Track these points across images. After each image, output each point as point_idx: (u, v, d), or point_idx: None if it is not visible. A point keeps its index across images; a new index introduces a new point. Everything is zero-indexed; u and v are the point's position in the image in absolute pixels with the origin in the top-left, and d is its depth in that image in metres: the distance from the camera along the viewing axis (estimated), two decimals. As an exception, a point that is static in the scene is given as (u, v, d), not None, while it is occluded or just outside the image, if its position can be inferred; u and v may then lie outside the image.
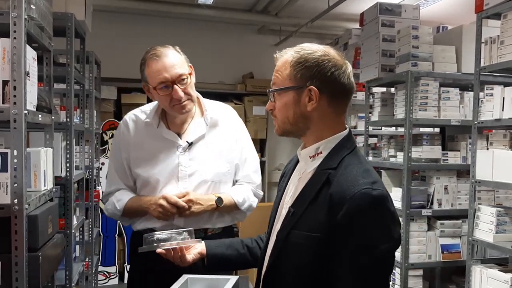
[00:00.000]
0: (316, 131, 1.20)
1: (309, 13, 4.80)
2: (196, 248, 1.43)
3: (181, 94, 1.73)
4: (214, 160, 1.83)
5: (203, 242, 1.46)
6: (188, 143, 1.81)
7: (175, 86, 1.72)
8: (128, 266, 3.40)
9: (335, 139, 1.20)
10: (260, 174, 1.99)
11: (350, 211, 1.06)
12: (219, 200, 1.79)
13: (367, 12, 3.84)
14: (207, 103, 1.91)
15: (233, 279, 1.39)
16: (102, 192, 2.89)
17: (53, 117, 2.01)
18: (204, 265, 1.45)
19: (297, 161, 1.31)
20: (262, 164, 5.56)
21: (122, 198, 1.83)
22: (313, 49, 1.19)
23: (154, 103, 1.88)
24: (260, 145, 5.56)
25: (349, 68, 1.20)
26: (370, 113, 3.83)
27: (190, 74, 1.77)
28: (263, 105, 5.40)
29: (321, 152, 1.20)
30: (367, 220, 1.07)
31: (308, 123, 1.19)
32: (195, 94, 1.82)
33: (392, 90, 3.69)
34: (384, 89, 4.03)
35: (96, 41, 3.93)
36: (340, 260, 1.09)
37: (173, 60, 1.73)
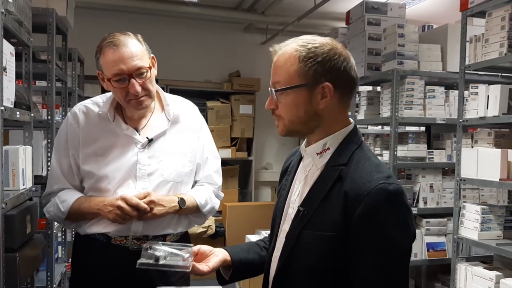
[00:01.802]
0: (326, 128, 1.15)
1: (296, 12, 4.80)
2: (216, 255, 1.31)
3: (138, 88, 1.56)
4: (176, 158, 1.68)
5: (222, 249, 1.34)
6: (148, 139, 1.64)
7: (132, 80, 1.55)
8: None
9: (341, 134, 1.15)
10: (221, 174, 1.86)
11: (368, 208, 1.03)
12: (182, 201, 1.63)
13: (353, 11, 3.84)
14: (168, 97, 1.75)
15: None
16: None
17: (32, 115, 1.96)
18: (219, 274, 1.34)
19: (300, 159, 1.26)
20: (249, 163, 5.56)
21: (67, 199, 1.62)
22: (320, 42, 1.12)
23: (108, 94, 1.71)
24: (247, 144, 5.54)
25: (353, 60, 1.16)
26: (356, 111, 3.83)
27: (150, 68, 1.60)
28: (250, 104, 5.38)
29: (328, 148, 1.15)
30: (386, 216, 1.04)
31: (320, 121, 1.14)
32: (154, 89, 1.66)
33: (378, 88, 3.70)
34: (370, 88, 4.04)
35: (80, 38, 3.86)
36: (360, 258, 1.05)
37: (132, 51, 1.55)
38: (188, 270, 1.25)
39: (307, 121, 1.14)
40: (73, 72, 3.58)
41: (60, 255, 3.12)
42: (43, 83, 2.83)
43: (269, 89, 1.16)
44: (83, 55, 4.00)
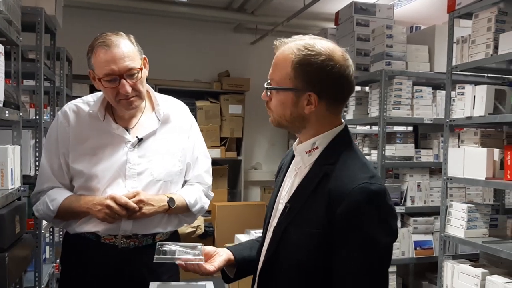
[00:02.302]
0: (313, 130, 1.18)
1: (285, 12, 4.82)
2: (221, 255, 1.34)
3: (129, 89, 1.57)
4: (166, 158, 1.69)
5: (225, 248, 1.37)
6: (138, 138, 1.65)
7: (123, 81, 1.56)
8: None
9: (331, 134, 1.18)
10: (211, 174, 1.87)
11: (350, 207, 1.06)
12: (171, 201, 1.64)
13: (342, 12, 3.88)
14: (159, 97, 1.76)
15: (209, 284, 1.36)
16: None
17: (21, 114, 1.95)
18: (224, 273, 1.37)
19: (293, 156, 1.29)
20: (239, 163, 5.57)
21: (56, 198, 1.63)
22: (317, 49, 1.12)
23: (98, 94, 1.72)
24: (236, 144, 5.55)
25: (352, 69, 1.16)
26: (345, 111, 3.86)
27: (141, 69, 1.61)
28: (239, 103, 5.39)
29: (317, 147, 1.18)
30: (367, 215, 1.06)
31: (305, 123, 1.17)
32: (145, 90, 1.66)
33: (367, 89, 3.73)
34: (359, 88, 4.08)
35: (68, 37, 3.84)
36: (340, 255, 1.08)
37: (124, 51, 1.56)
38: (202, 262, 1.30)
39: (292, 121, 1.17)
40: (61, 72, 3.55)
41: (47, 256, 3.10)
42: (31, 82, 2.81)
43: (265, 85, 1.20)
44: (71, 54, 3.97)
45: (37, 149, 2.54)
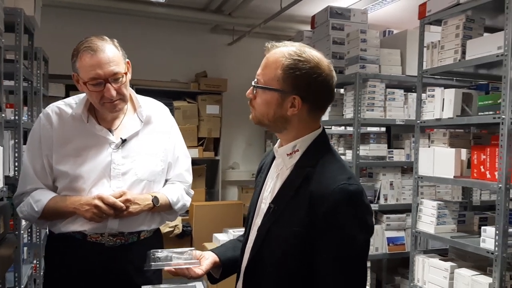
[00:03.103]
0: (293, 132, 1.24)
1: (263, 14, 4.89)
2: (207, 259, 1.39)
3: (113, 93, 1.61)
4: (149, 158, 1.74)
5: (210, 252, 1.43)
6: (122, 140, 1.70)
7: (108, 85, 1.60)
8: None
9: (310, 137, 1.25)
10: (191, 173, 1.93)
11: (330, 207, 1.12)
12: (156, 199, 1.69)
13: (318, 15, 3.97)
14: (140, 99, 1.81)
15: (198, 285, 1.42)
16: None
17: (3, 115, 1.95)
18: (209, 275, 1.42)
19: (273, 157, 1.35)
20: (216, 163, 5.60)
21: (41, 199, 1.65)
22: (307, 57, 1.19)
23: (80, 96, 1.75)
24: (214, 144, 5.59)
25: (335, 80, 1.23)
26: (321, 112, 3.95)
27: (126, 73, 1.66)
28: (217, 104, 5.43)
29: (297, 150, 1.24)
30: (346, 214, 1.13)
31: (286, 125, 1.23)
32: (128, 93, 1.71)
33: (342, 91, 3.83)
34: (334, 90, 4.16)
35: (44, 37, 3.80)
36: (321, 253, 1.14)
37: (110, 56, 1.60)
38: (198, 265, 1.35)
39: (275, 121, 1.23)
40: (38, 72, 3.53)
41: (25, 257, 3.08)
42: (8, 82, 2.79)
43: (253, 83, 1.25)
44: (47, 54, 3.94)
45: (16, 150, 2.54)
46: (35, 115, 3.32)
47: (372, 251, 3.49)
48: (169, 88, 5.35)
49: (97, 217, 1.58)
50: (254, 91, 1.25)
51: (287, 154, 1.26)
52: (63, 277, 1.67)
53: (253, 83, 1.25)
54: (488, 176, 2.50)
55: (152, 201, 1.68)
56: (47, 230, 3.66)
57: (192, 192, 1.93)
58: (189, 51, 5.61)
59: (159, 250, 1.43)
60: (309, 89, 1.19)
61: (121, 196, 1.61)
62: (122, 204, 1.59)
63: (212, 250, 1.44)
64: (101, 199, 1.57)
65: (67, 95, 4.81)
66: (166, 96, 5.09)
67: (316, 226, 1.14)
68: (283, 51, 1.21)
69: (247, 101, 1.28)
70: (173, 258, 1.37)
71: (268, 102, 1.22)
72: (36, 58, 3.48)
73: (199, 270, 1.35)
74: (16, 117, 2.58)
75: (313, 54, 1.21)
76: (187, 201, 1.87)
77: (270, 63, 1.22)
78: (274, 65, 1.21)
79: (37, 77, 3.49)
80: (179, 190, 1.83)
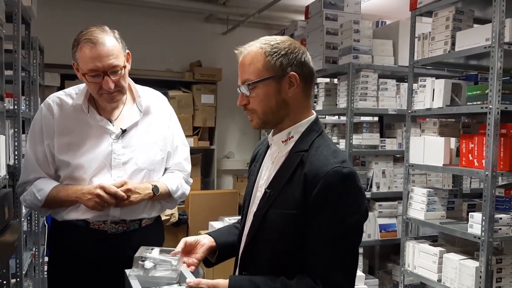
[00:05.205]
0: (293, 116, 1.29)
1: (257, 4, 4.91)
2: (202, 245, 1.41)
3: (111, 85, 1.63)
4: (149, 147, 1.77)
5: (206, 235, 1.44)
6: (122, 130, 1.73)
7: (106, 77, 1.62)
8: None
9: (304, 124, 1.30)
10: (190, 162, 1.96)
11: (323, 187, 1.17)
12: (156, 188, 1.73)
13: (312, 6, 4.01)
14: (139, 89, 1.84)
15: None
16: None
17: (5, 105, 1.99)
18: (206, 260, 1.43)
19: (267, 147, 1.39)
20: (211, 152, 5.65)
21: (44, 187, 1.68)
22: (280, 39, 1.26)
23: (80, 86, 1.79)
24: (209, 134, 5.62)
25: (309, 53, 1.31)
26: (315, 102, 4.02)
27: (125, 66, 1.68)
28: (211, 93, 5.46)
29: (292, 137, 1.29)
30: (338, 194, 1.17)
31: (288, 109, 1.27)
32: (126, 84, 1.73)
33: (335, 81, 3.89)
34: (328, 80, 4.23)
35: (40, 26, 3.81)
36: (314, 232, 1.18)
37: (109, 49, 1.61)
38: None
39: (278, 110, 1.27)
40: (34, 61, 3.55)
41: (25, 244, 3.13)
42: (5, 72, 2.81)
43: (238, 89, 1.28)
44: (42, 43, 3.96)
45: (15, 139, 2.58)
46: (32, 105, 3.35)
47: (365, 237, 3.57)
48: (164, 77, 5.35)
49: (99, 206, 1.62)
50: (248, 93, 1.26)
51: (282, 141, 1.31)
52: (67, 263, 1.73)
53: (241, 90, 1.28)
54: (476, 164, 2.58)
55: (152, 190, 1.72)
56: (45, 219, 3.73)
57: (191, 180, 1.98)
58: (184, 41, 5.62)
59: (149, 249, 1.41)
60: (298, 62, 1.26)
61: (122, 185, 1.65)
62: (123, 194, 1.63)
63: (209, 234, 1.47)
64: (103, 188, 1.61)
65: (62, 85, 4.82)
66: (161, 85, 5.08)
67: (309, 207, 1.18)
68: (256, 45, 1.27)
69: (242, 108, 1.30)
70: (157, 265, 1.33)
71: (267, 94, 1.25)
72: (32, 48, 3.50)
73: (194, 260, 1.37)
74: (15, 107, 2.61)
75: (282, 37, 1.28)
76: (186, 189, 1.91)
77: (250, 62, 1.26)
78: (255, 59, 1.25)
79: (33, 66, 3.51)
80: (178, 179, 1.87)
